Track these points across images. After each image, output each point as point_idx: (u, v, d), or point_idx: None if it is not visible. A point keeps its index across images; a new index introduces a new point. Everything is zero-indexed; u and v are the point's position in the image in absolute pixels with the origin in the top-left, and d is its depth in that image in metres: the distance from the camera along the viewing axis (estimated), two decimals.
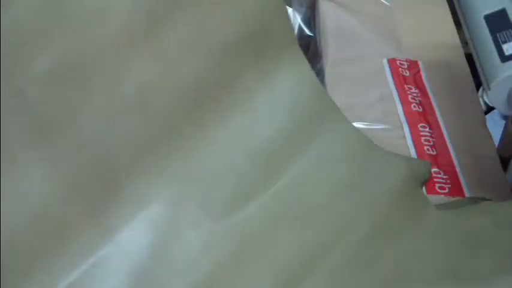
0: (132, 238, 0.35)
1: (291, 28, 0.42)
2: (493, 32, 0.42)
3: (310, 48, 0.66)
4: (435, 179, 0.47)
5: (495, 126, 0.61)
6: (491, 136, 0.51)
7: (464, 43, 0.53)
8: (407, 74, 0.56)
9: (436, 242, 0.39)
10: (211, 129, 0.38)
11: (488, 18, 0.43)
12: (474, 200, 0.45)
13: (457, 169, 0.48)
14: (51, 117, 0.33)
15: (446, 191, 0.46)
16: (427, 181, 0.46)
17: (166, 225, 0.36)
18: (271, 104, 0.40)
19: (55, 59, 0.33)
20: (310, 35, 0.67)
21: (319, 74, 0.57)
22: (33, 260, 0.32)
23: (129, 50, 0.35)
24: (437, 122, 0.52)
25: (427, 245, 0.38)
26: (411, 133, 0.51)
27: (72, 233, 0.34)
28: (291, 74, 0.41)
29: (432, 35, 0.61)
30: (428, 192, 0.46)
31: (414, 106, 0.53)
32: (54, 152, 0.33)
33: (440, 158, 0.49)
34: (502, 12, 0.43)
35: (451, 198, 0.45)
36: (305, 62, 0.42)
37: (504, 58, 0.41)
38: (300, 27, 0.67)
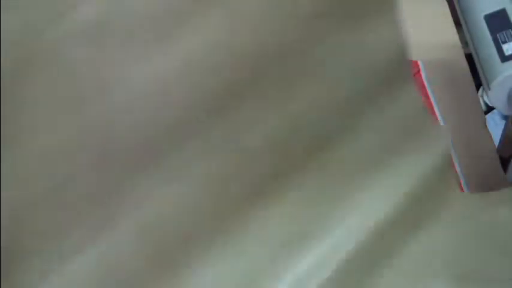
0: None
1: None
2: (493, 32, 0.42)
3: None
4: None
5: (495, 126, 0.61)
6: (491, 136, 0.51)
7: (464, 43, 0.52)
8: None
9: (457, 236, 0.38)
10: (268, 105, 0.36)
11: (488, 18, 0.43)
12: None
13: (457, 169, 0.48)
14: (86, 79, 0.31)
15: None
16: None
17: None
18: (342, 69, 0.37)
19: (99, 11, 0.31)
20: None
21: None
22: (41, 237, 0.31)
23: (185, 12, 0.31)
24: (437, 122, 0.52)
25: (447, 239, 0.37)
26: None
27: (82, 213, 0.33)
28: (376, 38, 0.39)
29: (432, 35, 0.61)
30: None
31: None
32: (84, 120, 0.31)
33: None
34: (502, 12, 0.43)
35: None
36: (395, 23, 0.40)
37: (504, 58, 0.41)
38: None
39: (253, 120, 0.34)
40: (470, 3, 0.45)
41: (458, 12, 0.47)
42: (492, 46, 0.42)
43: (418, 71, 0.57)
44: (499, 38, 0.42)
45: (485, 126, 0.53)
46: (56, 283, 0.31)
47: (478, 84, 0.55)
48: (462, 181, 0.47)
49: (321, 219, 0.36)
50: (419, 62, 0.58)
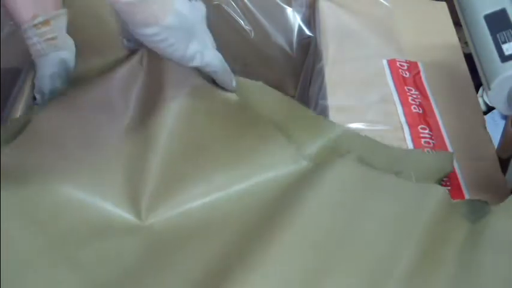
0: None
1: None
2: (493, 32, 0.42)
3: (310, 48, 0.66)
4: None
5: (495, 127, 0.61)
6: (490, 138, 0.51)
7: (464, 43, 0.52)
8: (407, 75, 0.56)
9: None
10: None
11: (488, 18, 0.43)
12: (473, 202, 0.45)
13: (457, 170, 0.48)
14: None
15: None
16: (448, 174, 0.46)
17: None
18: None
19: None
20: (310, 35, 0.67)
21: (319, 74, 0.57)
22: None
23: None
24: (437, 123, 0.52)
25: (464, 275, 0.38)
26: (411, 134, 0.50)
27: None
28: None
29: (432, 36, 0.61)
30: None
31: (414, 108, 0.53)
32: None
33: None
34: (502, 12, 0.43)
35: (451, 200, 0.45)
36: None
37: (504, 58, 0.41)
38: (300, 27, 0.67)
39: None
40: (470, 3, 0.44)
41: (458, 12, 0.46)
42: (492, 46, 0.41)
43: (418, 72, 0.57)
44: (499, 38, 0.42)
45: (485, 127, 0.52)
46: None
47: (478, 84, 0.55)
48: (462, 183, 0.47)
49: None
50: (419, 63, 0.58)
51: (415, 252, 0.37)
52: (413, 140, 0.50)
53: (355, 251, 0.37)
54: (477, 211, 0.43)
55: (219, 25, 0.67)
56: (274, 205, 0.40)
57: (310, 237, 0.37)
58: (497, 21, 0.42)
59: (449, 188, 0.46)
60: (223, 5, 0.65)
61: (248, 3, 0.65)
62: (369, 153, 0.46)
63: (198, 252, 0.38)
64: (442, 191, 0.42)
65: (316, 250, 0.36)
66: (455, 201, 0.45)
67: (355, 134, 0.48)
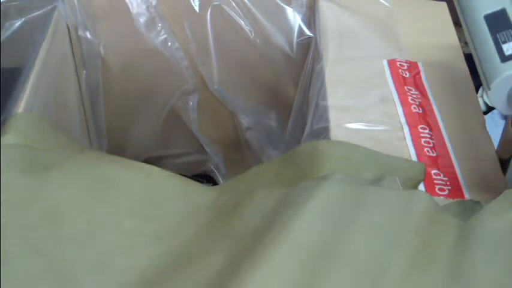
0: None
1: None
2: (493, 32, 0.42)
3: (310, 48, 0.66)
4: (435, 181, 0.47)
5: (495, 127, 0.61)
6: (490, 138, 0.51)
7: (464, 43, 0.52)
8: (407, 75, 0.56)
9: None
10: None
11: (488, 18, 0.43)
12: (464, 203, 0.45)
13: (457, 171, 0.48)
14: None
15: (446, 192, 0.46)
16: (421, 182, 0.47)
17: None
18: None
19: None
20: (310, 35, 0.67)
21: (319, 74, 0.57)
22: None
23: None
24: (437, 123, 0.52)
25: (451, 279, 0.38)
26: (411, 134, 0.50)
27: None
28: None
29: (432, 36, 0.61)
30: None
31: (414, 108, 0.53)
32: None
33: (440, 160, 0.49)
34: (502, 12, 0.43)
35: (451, 200, 0.45)
36: None
37: (504, 58, 0.41)
38: (300, 27, 0.67)
39: None
40: (470, 3, 0.45)
41: (458, 12, 0.47)
42: (492, 46, 0.41)
43: (418, 72, 0.57)
44: (499, 38, 0.42)
45: (485, 127, 0.53)
46: None
47: (478, 85, 0.55)
48: (462, 183, 0.47)
49: None
50: (419, 63, 0.58)
51: (404, 258, 0.37)
52: (413, 140, 0.50)
53: (343, 261, 0.37)
54: (469, 210, 0.43)
55: (219, 25, 0.67)
56: (262, 226, 0.41)
57: (300, 253, 0.37)
58: (497, 21, 0.42)
59: (449, 187, 0.46)
60: (223, 5, 0.66)
61: (248, 3, 0.65)
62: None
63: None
64: (426, 196, 0.42)
65: (306, 265, 0.36)
66: (446, 203, 0.45)
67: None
